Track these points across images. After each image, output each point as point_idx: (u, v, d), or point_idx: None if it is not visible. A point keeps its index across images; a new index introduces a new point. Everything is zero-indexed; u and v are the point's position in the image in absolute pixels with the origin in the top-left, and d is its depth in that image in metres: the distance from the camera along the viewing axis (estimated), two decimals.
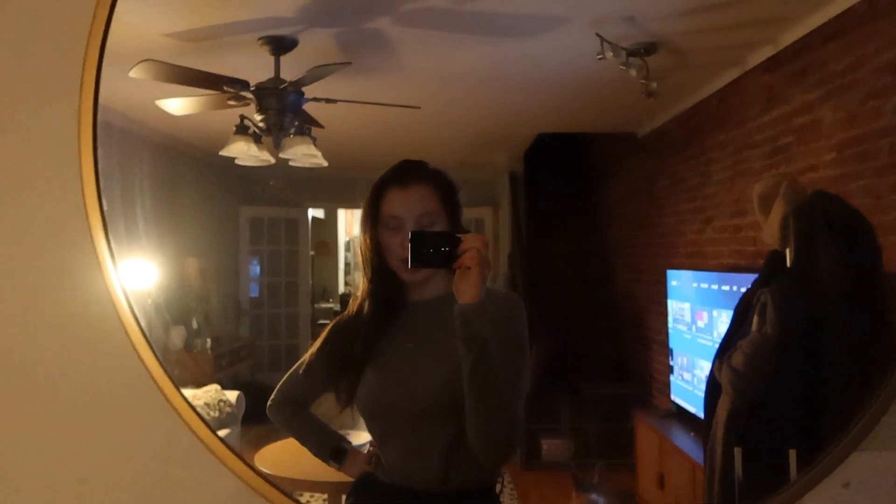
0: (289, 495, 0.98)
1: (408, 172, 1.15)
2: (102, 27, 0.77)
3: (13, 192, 0.87)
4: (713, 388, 1.63)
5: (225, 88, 1.94)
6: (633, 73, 2.01)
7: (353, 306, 1.20)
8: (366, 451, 1.25)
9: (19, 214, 0.88)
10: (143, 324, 0.84)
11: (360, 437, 1.27)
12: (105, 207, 0.81)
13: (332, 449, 1.27)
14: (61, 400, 0.90)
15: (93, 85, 0.77)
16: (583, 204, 4.21)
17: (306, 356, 1.27)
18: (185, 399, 0.86)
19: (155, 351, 0.85)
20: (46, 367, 0.89)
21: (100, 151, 0.79)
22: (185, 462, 0.93)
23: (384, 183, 1.15)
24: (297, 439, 1.31)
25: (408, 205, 1.12)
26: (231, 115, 2.10)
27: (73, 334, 0.89)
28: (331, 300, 4.33)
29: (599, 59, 1.93)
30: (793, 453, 1.40)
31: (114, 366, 0.89)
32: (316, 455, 1.28)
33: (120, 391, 0.90)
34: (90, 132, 0.77)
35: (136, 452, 0.91)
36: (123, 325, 0.86)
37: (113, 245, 0.82)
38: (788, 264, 1.50)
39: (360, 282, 1.21)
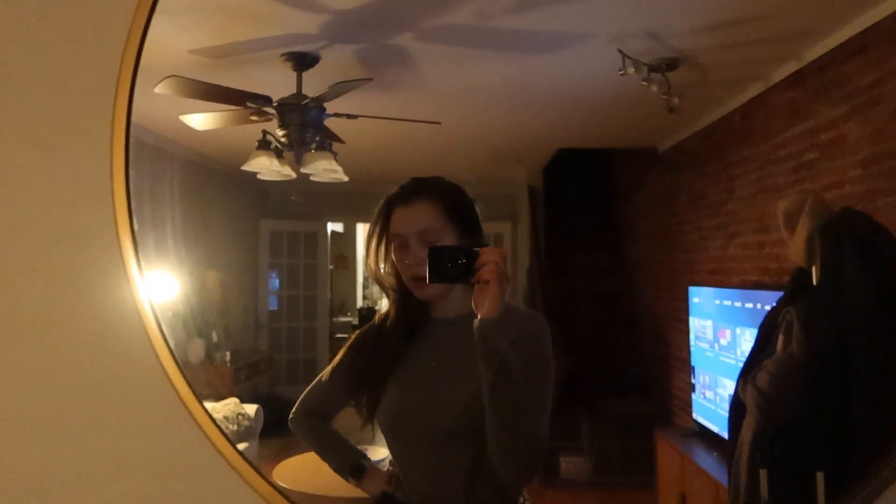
0: None
1: (411, 190, 1.14)
2: (137, 45, 0.78)
3: (46, 207, 0.89)
4: (737, 407, 1.60)
5: (248, 104, 1.96)
6: (654, 88, 2.00)
7: (378, 318, 1.19)
8: (385, 471, 1.24)
9: (51, 228, 0.90)
10: (168, 337, 0.85)
11: (379, 453, 1.26)
12: (135, 222, 0.82)
13: (352, 465, 1.26)
14: (86, 411, 0.91)
15: (126, 101, 0.78)
16: (603, 219, 4.19)
17: (328, 369, 1.26)
18: (207, 413, 0.86)
19: (180, 365, 0.85)
20: (73, 380, 0.90)
21: (131, 167, 0.80)
22: (204, 475, 0.93)
23: (390, 202, 1.15)
24: (316, 453, 1.30)
25: (409, 222, 1.11)
26: (253, 130, 2.12)
27: (100, 346, 0.89)
28: (349, 314, 4.34)
29: (621, 74, 1.93)
30: (820, 476, 1.37)
31: (139, 380, 0.90)
32: (334, 470, 1.27)
33: (144, 404, 0.90)
34: (122, 147, 0.78)
35: (158, 464, 0.91)
36: (150, 339, 0.86)
37: (141, 259, 0.83)
38: (815, 282, 1.47)
39: (385, 296, 1.21)
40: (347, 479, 1.25)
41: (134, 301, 0.86)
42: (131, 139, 0.80)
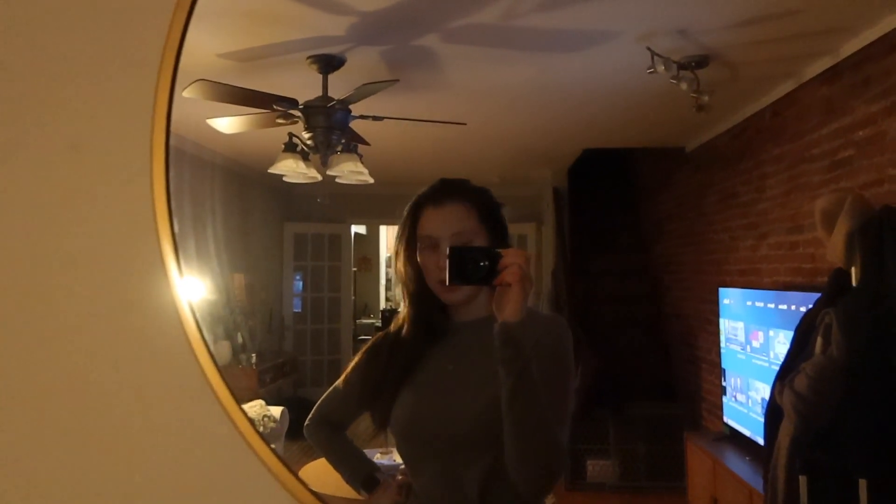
0: None
1: (442, 191, 1.12)
2: (175, 49, 0.78)
3: (85, 211, 0.89)
4: (773, 411, 1.56)
5: (274, 107, 1.96)
6: (683, 86, 1.97)
7: (393, 326, 1.17)
8: (397, 481, 1.21)
9: (90, 234, 0.90)
10: (208, 341, 0.84)
11: (399, 457, 1.24)
12: (176, 227, 0.82)
13: (364, 477, 1.23)
14: (128, 415, 0.91)
15: (165, 108, 0.78)
16: (629, 219, 4.15)
17: (343, 376, 1.23)
18: (245, 414, 0.86)
19: (218, 367, 0.85)
20: (115, 386, 0.90)
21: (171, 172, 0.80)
22: (241, 477, 0.93)
23: (420, 203, 1.12)
24: (329, 462, 1.27)
25: (442, 223, 1.08)
26: (279, 133, 2.13)
27: (141, 348, 0.89)
28: (372, 316, 4.34)
29: (650, 72, 1.90)
30: (863, 483, 1.33)
31: (179, 380, 0.89)
32: (346, 481, 1.24)
33: (183, 404, 0.90)
34: (162, 149, 0.78)
35: (196, 464, 0.92)
36: (189, 340, 0.86)
37: (182, 264, 0.83)
38: (854, 283, 1.44)
39: (402, 302, 1.18)
40: (359, 492, 1.22)
41: (174, 303, 0.85)
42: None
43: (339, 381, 1.22)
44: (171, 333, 0.86)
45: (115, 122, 0.87)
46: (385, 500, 1.18)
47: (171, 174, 0.80)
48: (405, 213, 1.12)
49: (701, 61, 1.98)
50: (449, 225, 1.07)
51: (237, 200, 2.98)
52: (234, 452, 0.87)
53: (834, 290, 1.50)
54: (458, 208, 1.09)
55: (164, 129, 0.77)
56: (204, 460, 0.91)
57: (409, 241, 1.10)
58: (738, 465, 2.27)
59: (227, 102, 1.90)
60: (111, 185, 0.87)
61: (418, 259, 1.08)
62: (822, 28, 1.84)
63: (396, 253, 1.13)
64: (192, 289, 0.92)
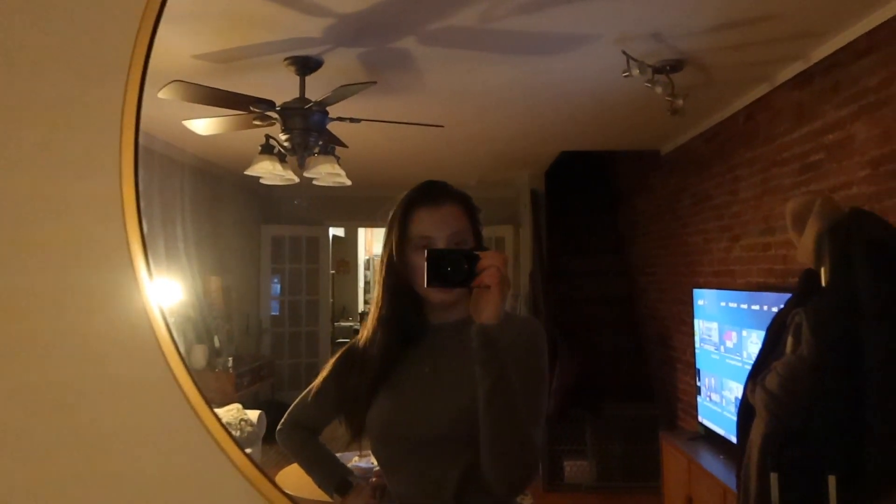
0: None
1: (436, 192, 1.11)
2: (145, 48, 0.77)
3: (53, 210, 0.88)
4: (746, 410, 1.59)
5: (251, 108, 1.95)
6: (658, 90, 2.00)
7: (365, 332, 1.16)
8: (371, 484, 1.21)
9: (58, 234, 0.89)
10: (178, 343, 0.84)
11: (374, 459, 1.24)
12: (145, 228, 0.81)
13: (338, 481, 1.22)
14: (96, 419, 0.90)
15: (134, 108, 0.77)
16: (605, 222, 4.19)
17: (317, 381, 1.22)
18: (217, 419, 0.85)
19: (190, 370, 0.84)
20: (84, 384, 0.89)
21: (141, 172, 0.79)
22: (214, 482, 0.92)
23: (412, 203, 1.11)
24: (302, 468, 1.26)
25: (440, 224, 1.08)
26: (256, 134, 2.11)
27: (111, 352, 0.88)
28: (350, 318, 4.33)
29: (625, 76, 1.92)
30: (832, 480, 1.35)
31: (149, 384, 0.88)
32: (319, 486, 1.23)
33: (154, 409, 0.89)
34: (132, 152, 0.77)
35: (167, 469, 0.90)
36: (160, 344, 0.85)
37: (151, 265, 0.82)
38: (824, 284, 1.46)
39: (371, 311, 1.16)
40: (332, 497, 1.21)
41: (144, 306, 0.84)
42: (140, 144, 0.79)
43: (311, 387, 1.21)
44: (141, 336, 0.85)
45: (85, 122, 0.86)
46: None
47: (141, 174, 0.79)
48: (396, 212, 1.11)
49: (676, 65, 2.01)
50: (446, 225, 1.06)
51: (210, 202, 2.95)
52: (207, 457, 0.86)
53: (804, 291, 1.52)
54: (454, 209, 1.08)
55: (134, 128, 0.77)
56: (176, 465, 0.90)
57: (400, 241, 1.09)
58: (713, 464, 2.29)
59: (204, 104, 1.88)
60: (80, 184, 0.86)
61: (409, 259, 1.08)
62: (793, 33, 1.87)
63: (385, 252, 1.12)
64: (165, 292, 0.91)
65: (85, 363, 0.88)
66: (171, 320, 0.87)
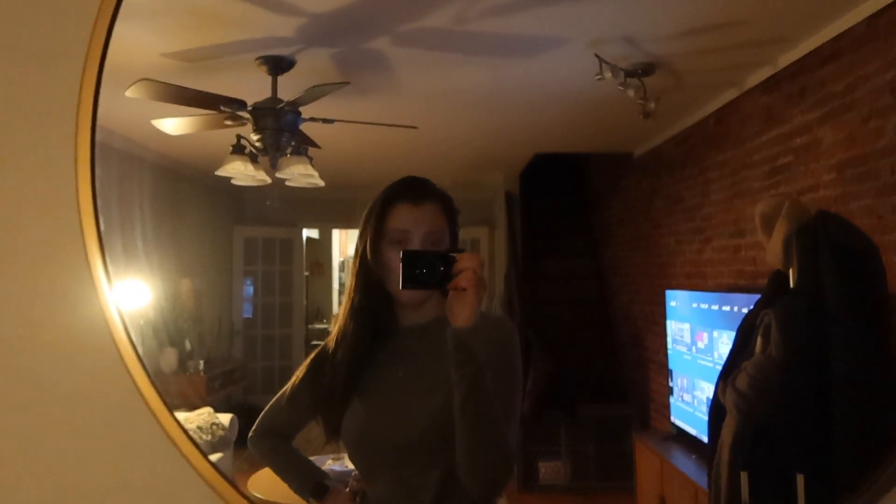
0: None
1: (418, 189, 1.09)
2: (101, 44, 0.75)
3: (8, 210, 0.85)
4: (717, 410, 1.61)
5: (222, 108, 1.92)
6: (630, 93, 2.01)
7: (333, 334, 1.14)
8: (347, 488, 1.20)
9: (14, 233, 0.86)
10: (137, 346, 0.81)
11: (350, 464, 1.23)
12: (102, 228, 0.79)
13: (314, 486, 1.21)
14: (53, 422, 0.87)
15: (91, 103, 0.76)
16: (579, 224, 4.21)
17: (288, 386, 1.20)
18: (179, 425, 0.83)
19: (150, 374, 0.82)
20: (39, 389, 0.86)
21: (98, 171, 0.77)
22: (177, 489, 0.90)
23: (392, 197, 1.09)
24: (276, 473, 1.24)
25: (417, 221, 1.06)
26: (227, 134, 2.08)
27: (67, 356, 0.86)
28: (325, 321, 4.29)
29: (598, 79, 1.93)
30: (800, 478, 1.37)
31: (107, 388, 0.86)
32: (295, 491, 1.21)
33: (112, 414, 0.87)
34: (87, 151, 0.75)
35: (127, 477, 0.88)
36: (118, 347, 0.83)
37: (109, 266, 0.80)
38: (792, 285, 1.49)
39: (343, 304, 1.15)
40: (308, 501, 1.20)
41: (102, 310, 0.82)
42: (97, 143, 0.77)
43: (283, 391, 1.20)
44: (98, 338, 0.83)
45: (37, 118, 0.84)
46: None
47: (98, 172, 0.77)
48: (374, 205, 1.09)
49: (647, 69, 2.03)
50: (424, 223, 1.05)
51: (176, 202, 2.90)
52: (168, 463, 0.85)
53: (773, 292, 1.55)
54: (435, 207, 1.07)
55: (90, 125, 0.75)
56: (135, 472, 0.88)
57: (375, 234, 1.07)
58: (685, 464, 2.32)
59: (173, 103, 1.86)
60: (33, 182, 0.84)
61: (382, 255, 1.06)
62: (761, 39, 1.91)
63: (360, 243, 1.10)
64: (133, 294, 0.89)
65: (39, 366, 0.86)
66: (139, 323, 0.85)
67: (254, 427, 1.25)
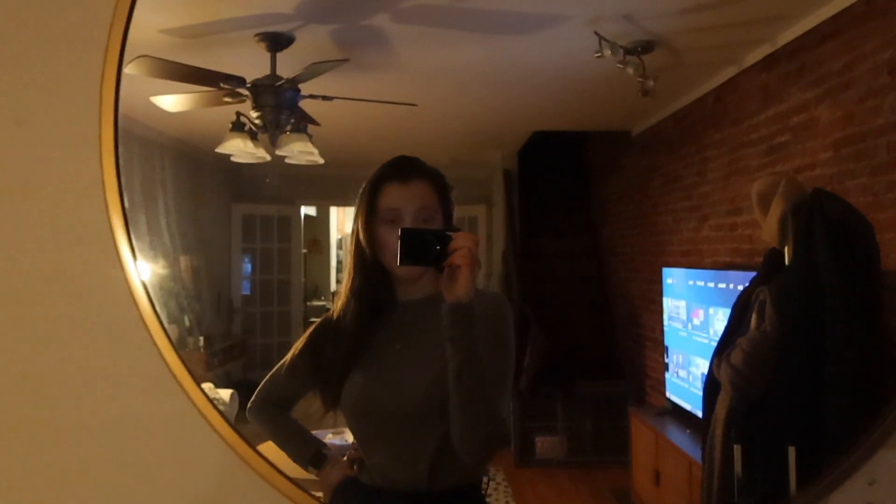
0: (307, 492, 0.98)
1: (407, 168, 1.13)
2: (122, 27, 0.76)
3: (32, 187, 0.87)
4: (712, 385, 1.63)
5: (221, 85, 1.92)
6: (629, 71, 2.01)
7: (336, 307, 1.17)
8: (346, 457, 1.23)
9: (38, 210, 0.88)
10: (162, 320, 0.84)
11: (349, 436, 1.26)
12: (126, 204, 0.81)
13: (312, 455, 1.24)
14: (80, 399, 0.90)
15: (113, 83, 0.77)
16: (577, 202, 4.22)
17: (288, 357, 1.23)
18: (206, 396, 0.86)
19: (175, 347, 0.85)
20: (63, 365, 0.89)
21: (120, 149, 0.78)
22: (201, 454, 0.93)
23: (382, 177, 1.12)
24: (275, 443, 1.27)
25: (407, 199, 1.10)
26: (226, 112, 2.08)
27: (94, 333, 0.88)
28: (322, 298, 4.31)
29: (597, 56, 1.93)
30: (792, 451, 1.40)
31: (133, 362, 0.89)
32: (294, 460, 1.24)
33: (139, 386, 0.90)
34: (111, 128, 0.77)
35: (155, 447, 0.91)
36: (144, 321, 0.85)
37: (134, 242, 0.82)
38: (787, 262, 1.51)
39: (344, 282, 1.18)
40: (307, 470, 1.23)
41: (125, 279, 0.85)
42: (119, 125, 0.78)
43: (282, 363, 1.23)
44: (123, 309, 0.85)
45: (62, 98, 0.85)
46: (335, 475, 1.20)
47: (121, 150, 0.78)
48: (366, 185, 1.13)
49: (646, 47, 2.02)
50: (414, 200, 1.09)
51: (187, 181, 2.91)
52: (190, 426, 0.88)
53: (768, 269, 1.57)
54: (424, 185, 1.10)
55: (113, 103, 0.76)
56: (160, 435, 0.91)
57: (368, 216, 1.10)
58: (679, 438, 2.36)
59: (172, 80, 1.85)
60: (59, 161, 0.86)
61: (376, 233, 1.09)
62: (760, 17, 1.90)
63: (355, 224, 1.13)
64: (141, 269, 0.91)
65: (66, 338, 0.88)
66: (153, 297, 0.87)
67: (252, 397, 1.28)
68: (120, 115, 0.84)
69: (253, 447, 0.88)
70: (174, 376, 0.86)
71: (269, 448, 1.41)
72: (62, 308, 0.88)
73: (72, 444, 0.89)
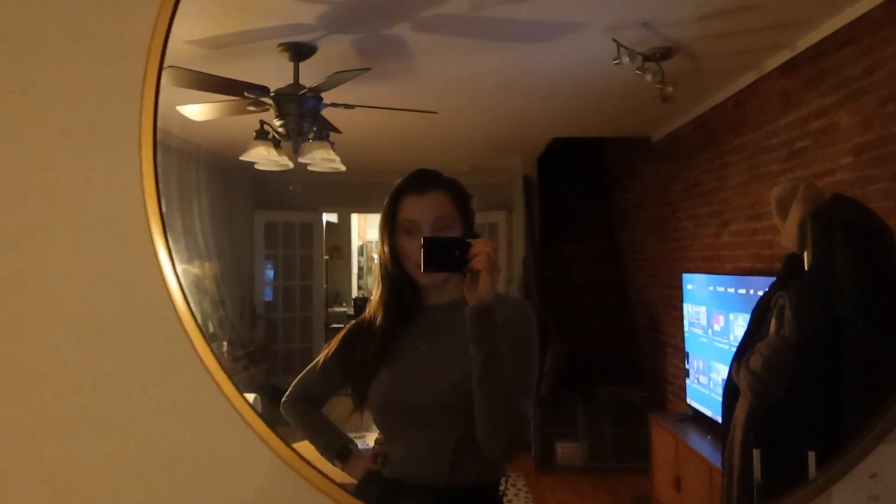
0: (347, 490, 1.02)
1: (423, 180, 1.21)
2: (162, 40, 0.80)
3: (75, 194, 0.91)
4: (731, 390, 1.63)
5: (245, 94, 1.97)
6: (648, 77, 2.02)
7: (369, 311, 1.25)
8: (373, 450, 1.29)
9: (81, 216, 0.92)
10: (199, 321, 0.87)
11: (372, 440, 1.30)
12: (164, 210, 0.85)
13: (339, 448, 1.31)
14: (120, 398, 0.93)
15: (153, 93, 0.81)
16: (597, 208, 4.22)
17: (321, 356, 1.31)
18: (245, 399, 0.90)
19: (213, 350, 0.88)
20: (108, 367, 0.93)
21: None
22: (238, 453, 0.97)
23: (400, 190, 1.21)
24: (305, 436, 1.35)
25: (424, 209, 1.17)
26: (250, 120, 2.13)
27: (133, 332, 0.92)
28: (344, 304, 4.35)
29: (616, 63, 1.94)
30: (812, 455, 1.40)
31: (174, 364, 0.92)
32: (322, 453, 1.32)
33: (180, 389, 0.93)
34: (150, 137, 0.80)
35: (196, 446, 0.95)
36: (182, 323, 0.89)
37: (172, 246, 0.86)
38: (806, 267, 1.51)
39: (375, 287, 1.25)
40: (334, 463, 1.30)
41: (163, 279, 0.88)
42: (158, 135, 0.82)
43: (317, 361, 1.29)
44: (161, 308, 0.89)
45: (105, 107, 0.89)
46: (359, 469, 1.25)
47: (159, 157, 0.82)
48: (386, 200, 1.20)
49: (665, 53, 2.03)
50: (430, 210, 1.15)
51: (206, 188, 2.96)
52: (223, 417, 0.91)
53: (787, 274, 1.57)
54: (439, 195, 1.17)
55: (152, 112, 0.80)
56: (205, 441, 0.94)
57: (390, 227, 1.17)
58: (700, 444, 2.35)
59: (199, 89, 1.90)
60: (101, 167, 0.90)
61: (398, 243, 1.16)
62: (780, 22, 1.91)
63: (380, 239, 1.20)
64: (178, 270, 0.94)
65: (107, 341, 0.92)
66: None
67: (287, 392, 1.35)
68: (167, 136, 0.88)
69: (281, 437, 0.91)
70: (207, 369, 0.90)
71: (303, 448, 1.45)
72: (105, 306, 0.92)
73: (113, 437, 0.93)
